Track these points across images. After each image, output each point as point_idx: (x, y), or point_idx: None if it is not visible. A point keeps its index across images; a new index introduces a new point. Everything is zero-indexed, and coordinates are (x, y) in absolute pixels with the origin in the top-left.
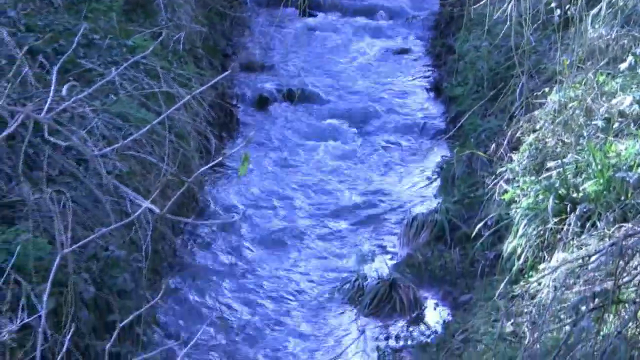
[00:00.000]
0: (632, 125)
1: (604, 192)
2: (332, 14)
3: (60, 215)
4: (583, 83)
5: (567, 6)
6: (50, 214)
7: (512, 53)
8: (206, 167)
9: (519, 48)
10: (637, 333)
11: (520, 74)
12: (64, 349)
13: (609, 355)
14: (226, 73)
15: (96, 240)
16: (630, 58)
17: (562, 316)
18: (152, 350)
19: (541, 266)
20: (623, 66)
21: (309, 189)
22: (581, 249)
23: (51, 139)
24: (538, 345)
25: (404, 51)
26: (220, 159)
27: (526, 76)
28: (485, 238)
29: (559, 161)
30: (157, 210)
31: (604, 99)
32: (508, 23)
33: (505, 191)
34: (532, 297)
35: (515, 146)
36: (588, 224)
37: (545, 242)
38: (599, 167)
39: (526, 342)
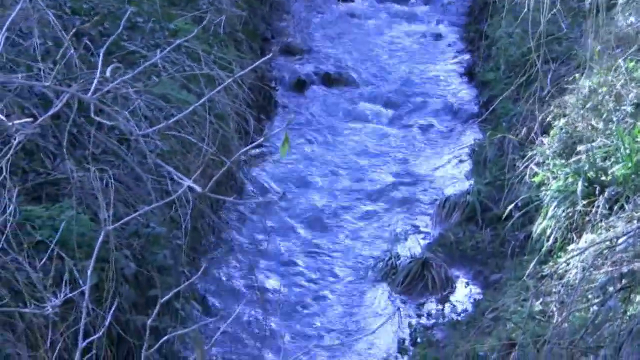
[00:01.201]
0: None
1: (632, 176)
2: (369, 0)
3: (103, 192)
4: (613, 69)
5: None
6: (93, 192)
7: (543, 39)
8: (249, 147)
9: (550, 35)
10: None
11: (550, 60)
12: (106, 323)
13: (635, 334)
14: (267, 57)
15: (138, 217)
16: None
17: (589, 296)
18: (191, 325)
19: (570, 247)
20: None
21: (344, 170)
22: (609, 230)
23: (97, 118)
24: (566, 324)
25: (439, 37)
26: (262, 139)
27: (557, 62)
28: (515, 219)
29: (589, 145)
30: (198, 188)
31: (633, 84)
32: (540, 10)
33: (536, 174)
34: (561, 277)
35: (545, 130)
36: (616, 207)
37: (574, 223)
38: (628, 151)
39: (554, 321)
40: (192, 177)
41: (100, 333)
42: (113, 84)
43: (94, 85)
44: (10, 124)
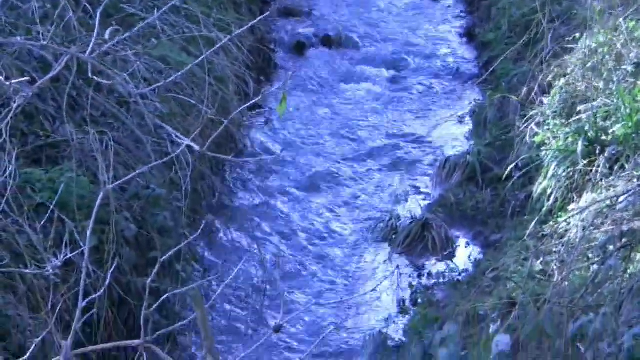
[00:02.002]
0: None
1: (632, 135)
2: None
3: (103, 155)
4: (613, 29)
5: None
6: (93, 154)
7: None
8: (245, 106)
9: None
10: None
11: (551, 20)
12: (106, 283)
13: (635, 293)
14: (264, 15)
15: (137, 179)
16: None
17: (590, 255)
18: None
19: (570, 207)
20: None
21: (344, 132)
22: (609, 190)
23: (95, 78)
24: (566, 284)
25: None
26: (259, 98)
27: (558, 22)
28: (515, 179)
29: (589, 105)
30: (197, 147)
31: (633, 44)
32: None
33: (536, 134)
34: (561, 237)
35: (546, 90)
36: (616, 167)
37: (575, 183)
38: (628, 111)
39: (555, 280)
40: (191, 137)
41: (101, 293)
42: (111, 43)
43: (91, 45)
44: (7, 84)
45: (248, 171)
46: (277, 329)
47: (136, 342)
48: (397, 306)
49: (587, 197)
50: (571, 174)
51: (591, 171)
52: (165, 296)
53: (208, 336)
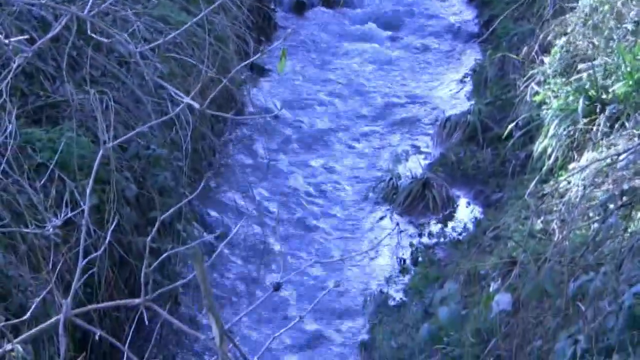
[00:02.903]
0: None
1: (633, 94)
2: None
3: (103, 114)
4: None
5: None
6: (93, 114)
7: None
8: (244, 63)
9: None
10: None
11: None
12: (106, 241)
13: (636, 251)
14: None
15: (137, 139)
16: None
17: (590, 214)
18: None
19: (571, 165)
20: None
21: (344, 91)
22: (610, 148)
23: (95, 36)
24: (567, 242)
25: None
26: (259, 56)
27: None
28: (516, 138)
29: (589, 63)
30: (197, 105)
31: (634, 2)
32: None
33: (537, 93)
34: (562, 196)
35: (546, 49)
36: (617, 125)
37: (575, 142)
38: (629, 69)
39: (555, 239)
40: (191, 95)
41: (100, 251)
42: (110, 0)
43: (89, 2)
44: (6, 42)
45: (248, 130)
46: (277, 287)
47: (136, 301)
48: (398, 265)
49: (587, 156)
50: (572, 132)
51: (592, 129)
52: (165, 254)
53: (208, 294)
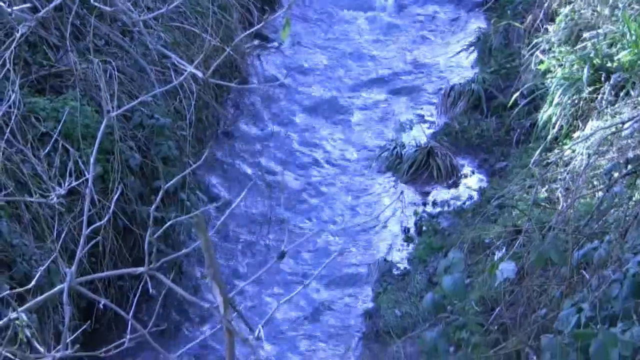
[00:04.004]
0: None
1: (638, 62)
2: None
3: (107, 84)
4: None
5: None
6: (97, 83)
7: None
8: (248, 32)
9: None
10: None
11: None
12: (110, 211)
13: None
14: None
15: (141, 109)
16: None
17: (595, 182)
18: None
19: (575, 134)
20: None
21: (348, 60)
22: (615, 117)
23: (97, 4)
24: (571, 211)
25: None
26: (262, 24)
27: None
28: (521, 107)
29: (594, 32)
30: (200, 73)
31: None
32: None
33: (541, 61)
34: (566, 164)
35: (551, 17)
36: (622, 93)
37: (580, 110)
38: (634, 37)
39: (560, 207)
40: (195, 63)
41: (105, 220)
42: None
43: None
44: (9, 11)
45: (252, 99)
46: (281, 256)
47: (140, 269)
48: (402, 234)
49: (592, 124)
50: (576, 101)
51: (596, 98)
52: (169, 223)
53: (212, 263)
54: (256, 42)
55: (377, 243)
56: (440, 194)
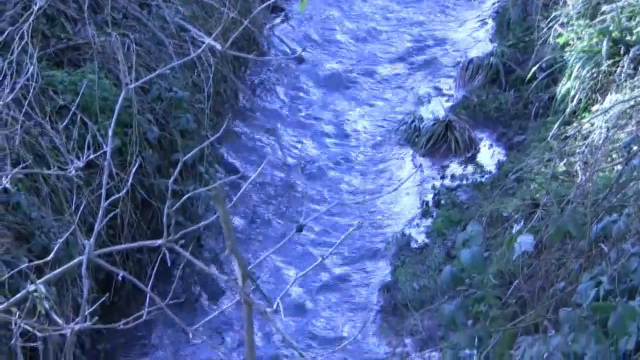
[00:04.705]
0: None
1: None
2: None
3: (125, 57)
4: None
5: None
6: (115, 56)
7: None
8: (266, 4)
9: None
10: None
11: None
12: (129, 184)
13: None
14: None
15: (159, 82)
16: None
17: (613, 155)
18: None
19: (594, 107)
20: None
21: (365, 34)
22: (633, 90)
23: None
24: (590, 184)
25: None
26: None
27: None
28: (539, 80)
29: (613, 5)
30: (218, 46)
31: None
32: None
33: (560, 34)
34: (585, 138)
35: None
36: None
37: (599, 84)
38: None
39: (578, 181)
40: (213, 35)
41: (123, 193)
42: None
43: None
44: None
45: (270, 73)
46: (300, 228)
47: (158, 242)
48: (420, 207)
49: (611, 98)
50: (595, 74)
51: (615, 71)
52: (188, 195)
53: (230, 235)
54: (274, 14)
55: (395, 216)
56: (458, 167)
